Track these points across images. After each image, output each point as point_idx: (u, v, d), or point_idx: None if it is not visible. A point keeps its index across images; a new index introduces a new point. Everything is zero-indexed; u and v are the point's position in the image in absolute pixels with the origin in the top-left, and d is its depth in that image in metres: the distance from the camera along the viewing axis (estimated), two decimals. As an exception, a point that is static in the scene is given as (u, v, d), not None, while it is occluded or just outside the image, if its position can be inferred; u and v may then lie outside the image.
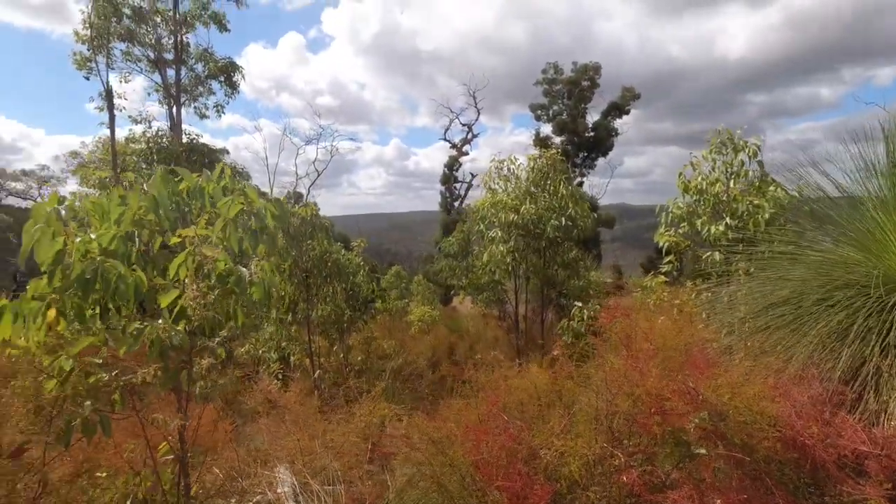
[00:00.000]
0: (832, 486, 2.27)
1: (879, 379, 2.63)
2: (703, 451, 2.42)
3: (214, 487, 3.39)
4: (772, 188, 5.37)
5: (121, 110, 16.61)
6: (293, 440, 3.71)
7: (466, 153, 29.74)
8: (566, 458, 2.49)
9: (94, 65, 16.02)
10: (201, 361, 2.73)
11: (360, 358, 9.72)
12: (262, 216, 2.83)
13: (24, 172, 29.84)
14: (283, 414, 4.40)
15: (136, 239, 2.65)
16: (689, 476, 2.43)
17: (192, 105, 18.43)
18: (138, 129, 17.55)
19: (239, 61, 18.49)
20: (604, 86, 26.05)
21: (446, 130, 30.49)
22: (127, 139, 17.33)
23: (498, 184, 10.00)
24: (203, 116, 18.57)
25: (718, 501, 2.22)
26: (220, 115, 18.78)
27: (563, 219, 9.15)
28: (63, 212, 2.56)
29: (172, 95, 17.32)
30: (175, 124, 17.49)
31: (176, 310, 2.56)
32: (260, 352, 9.12)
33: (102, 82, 15.95)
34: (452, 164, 28.86)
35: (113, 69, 16.57)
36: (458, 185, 28.95)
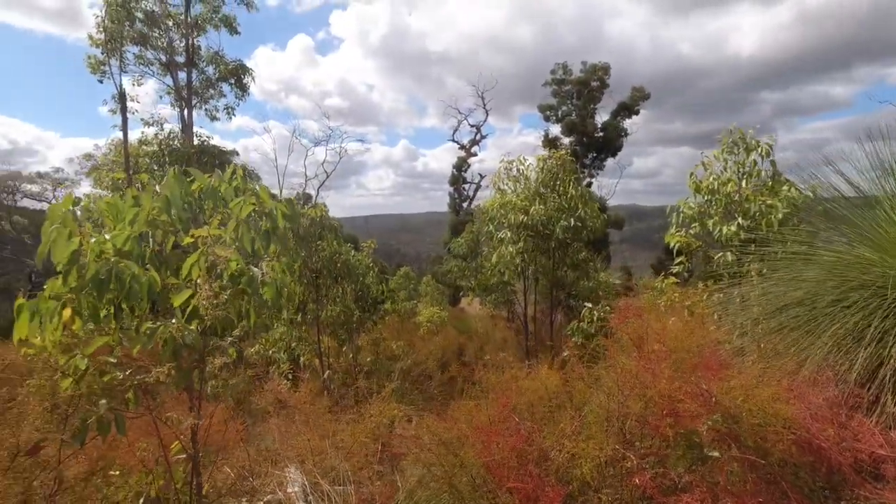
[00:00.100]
0: (849, 490, 2.23)
1: (897, 381, 2.59)
2: (716, 453, 2.40)
3: (225, 486, 3.41)
4: (785, 188, 5.32)
5: (133, 113, 16.82)
6: (303, 440, 3.72)
7: (475, 154, 29.83)
8: (578, 459, 2.48)
9: (107, 68, 16.25)
10: (214, 361, 2.75)
11: (369, 359, 9.74)
12: (273, 216, 2.85)
13: (39, 175, 30.28)
14: (294, 414, 4.41)
15: (150, 239, 2.68)
16: (702, 479, 2.40)
17: (203, 107, 18.61)
18: (150, 131, 17.78)
19: (249, 63, 18.68)
20: (613, 86, 26.02)
21: (455, 131, 30.59)
22: (139, 141, 17.54)
23: (507, 184, 9.98)
24: (214, 118, 18.75)
25: (732, 504, 2.19)
26: (230, 118, 18.96)
27: (573, 220, 9.11)
28: (78, 213, 2.59)
29: (184, 98, 17.50)
30: (186, 126, 17.68)
31: (189, 309, 2.58)
32: (270, 352, 9.18)
33: (116, 85, 16.16)
34: (461, 165, 28.89)
35: (126, 72, 16.80)
36: (466, 186, 29.02)
